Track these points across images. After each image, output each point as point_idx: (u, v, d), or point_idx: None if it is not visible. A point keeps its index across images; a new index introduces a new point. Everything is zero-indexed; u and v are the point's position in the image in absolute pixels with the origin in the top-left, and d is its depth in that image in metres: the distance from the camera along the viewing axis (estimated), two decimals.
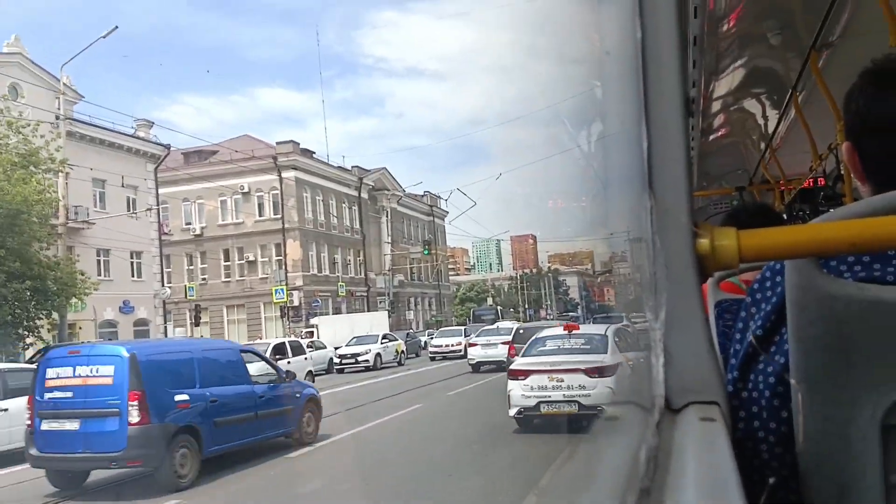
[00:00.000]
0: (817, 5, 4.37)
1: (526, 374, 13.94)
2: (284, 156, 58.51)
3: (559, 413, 13.36)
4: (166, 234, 47.88)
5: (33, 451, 11.84)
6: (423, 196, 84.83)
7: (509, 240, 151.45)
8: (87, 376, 11.64)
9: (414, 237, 79.97)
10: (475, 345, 31.07)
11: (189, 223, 60.10)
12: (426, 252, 65.62)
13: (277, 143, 59.81)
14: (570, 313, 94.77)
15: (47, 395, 11.83)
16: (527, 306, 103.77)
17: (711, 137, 7.68)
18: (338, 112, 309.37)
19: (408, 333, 50.10)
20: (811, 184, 7.62)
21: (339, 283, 60.49)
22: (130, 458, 11.26)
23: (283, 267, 56.77)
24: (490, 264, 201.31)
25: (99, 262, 40.25)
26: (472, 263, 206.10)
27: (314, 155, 63.09)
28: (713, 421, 0.98)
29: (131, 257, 42.69)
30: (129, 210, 42.10)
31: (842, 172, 6.20)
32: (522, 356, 15.17)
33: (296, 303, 56.46)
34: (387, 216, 73.67)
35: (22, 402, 14.82)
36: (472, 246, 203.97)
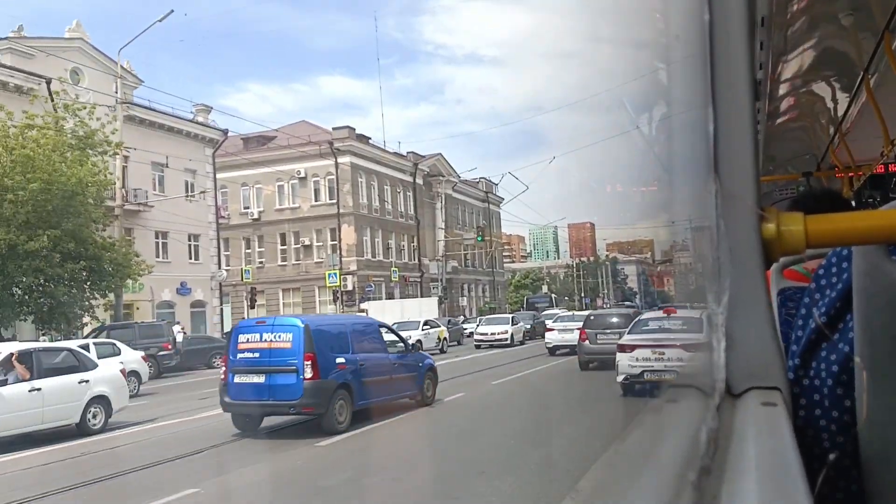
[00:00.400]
0: None
1: (633, 347, 16.48)
2: (340, 141, 58.86)
3: (661, 380, 14.81)
4: (223, 217, 48.57)
5: (227, 399, 14.57)
6: (477, 182, 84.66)
7: (567, 227, 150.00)
8: (272, 341, 14.46)
9: (468, 223, 79.92)
10: (552, 330, 32.14)
11: (247, 207, 60.98)
12: (480, 238, 65.34)
13: (334, 129, 60.14)
14: (627, 302, 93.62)
15: (239, 356, 14.66)
16: (583, 294, 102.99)
17: (778, 121, 7.51)
18: (398, 99, 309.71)
19: (450, 320, 48.66)
20: (882, 170, 7.43)
21: (393, 269, 60.76)
22: (305, 405, 14.11)
23: (339, 251, 57.41)
24: (547, 252, 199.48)
25: (157, 244, 41.15)
26: (528, 251, 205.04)
27: (370, 141, 63.43)
28: (774, 406, 0.97)
29: (189, 240, 43.89)
30: (187, 193, 42.79)
31: None
32: (629, 333, 17.65)
33: (349, 287, 56.91)
34: (441, 202, 73.77)
35: (57, 381, 15.46)
36: (529, 233, 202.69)
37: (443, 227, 71.85)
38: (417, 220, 68.63)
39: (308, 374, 13.90)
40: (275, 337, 14.46)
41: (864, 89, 5.76)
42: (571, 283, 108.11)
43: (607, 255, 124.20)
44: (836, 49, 5.76)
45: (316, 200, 59.99)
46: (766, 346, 1.02)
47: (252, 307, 48.07)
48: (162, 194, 40.62)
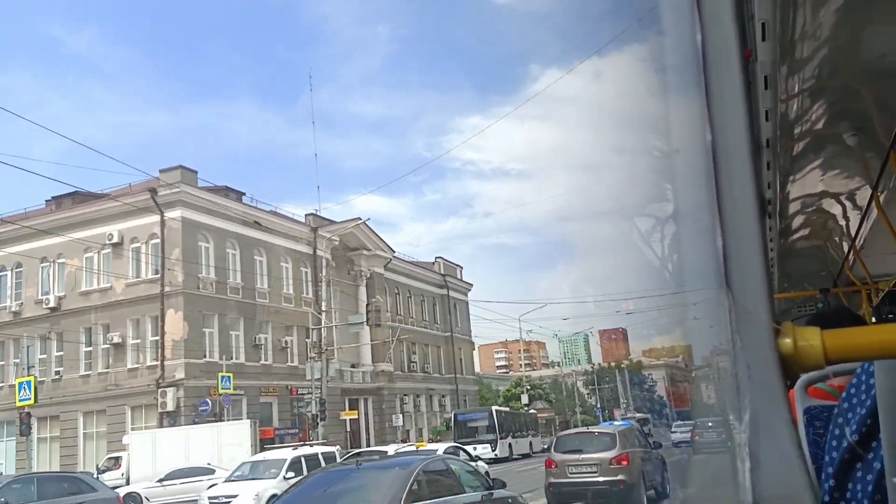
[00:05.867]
0: (893, 106, 4.30)
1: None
2: (167, 187, 39.57)
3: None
4: None
5: None
6: (433, 263, 65.07)
7: (597, 334, 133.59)
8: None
9: (417, 314, 60.07)
10: None
11: (46, 292, 41.92)
12: (364, 323, 43.62)
13: (161, 171, 40.22)
14: (639, 414, 71.06)
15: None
16: (599, 405, 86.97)
17: (791, 238, 7.53)
18: (428, 214, 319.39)
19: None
20: None
21: (221, 374, 37.45)
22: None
23: (161, 349, 37.78)
24: (578, 359, 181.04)
25: None
26: (552, 359, 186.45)
27: (243, 197, 44.45)
28: None
29: None
30: None
31: None
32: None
33: (169, 406, 36.75)
34: (364, 283, 53.83)
35: None
36: (558, 340, 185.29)
37: (361, 316, 50.24)
38: (320, 309, 48.21)
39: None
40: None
41: (875, 206, 5.86)
42: (575, 391, 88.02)
43: (630, 360, 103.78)
44: (844, 168, 5.77)
45: (136, 276, 40.53)
46: (792, 467, 0.96)
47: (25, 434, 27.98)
48: None
